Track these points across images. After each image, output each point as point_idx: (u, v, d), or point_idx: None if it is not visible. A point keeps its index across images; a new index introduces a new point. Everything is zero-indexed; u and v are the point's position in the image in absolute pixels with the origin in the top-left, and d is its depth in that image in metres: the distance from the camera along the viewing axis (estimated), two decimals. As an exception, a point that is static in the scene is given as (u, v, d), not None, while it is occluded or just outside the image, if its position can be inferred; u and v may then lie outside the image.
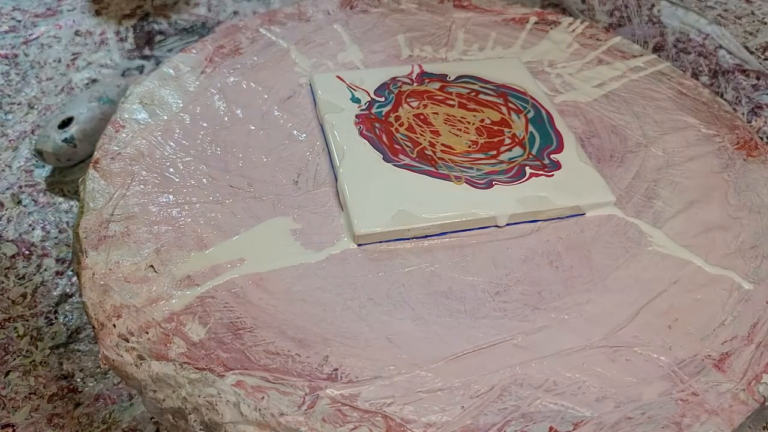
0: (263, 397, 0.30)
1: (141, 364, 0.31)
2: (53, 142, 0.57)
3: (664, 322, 0.35)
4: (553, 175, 0.40)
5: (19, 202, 0.53)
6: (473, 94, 0.45)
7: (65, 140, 0.58)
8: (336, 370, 0.32)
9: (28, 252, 0.49)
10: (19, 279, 0.48)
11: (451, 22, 0.53)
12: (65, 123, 0.60)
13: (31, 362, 0.43)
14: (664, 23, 0.54)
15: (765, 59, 0.54)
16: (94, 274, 0.34)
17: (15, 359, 0.43)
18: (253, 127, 0.43)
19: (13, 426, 0.40)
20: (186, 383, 0.30)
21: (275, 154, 0.42)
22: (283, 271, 0.36)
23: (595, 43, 0.52)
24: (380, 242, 0.37)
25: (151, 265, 0.35)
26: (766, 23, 0.57)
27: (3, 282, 0.47)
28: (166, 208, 0.38)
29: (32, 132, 0.58)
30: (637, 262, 0.37)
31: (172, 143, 0.41)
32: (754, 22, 0.57)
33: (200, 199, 0.39)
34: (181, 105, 0.44)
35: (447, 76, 0.46)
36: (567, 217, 0.39)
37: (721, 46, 0.51)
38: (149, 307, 0.33)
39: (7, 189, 0.53)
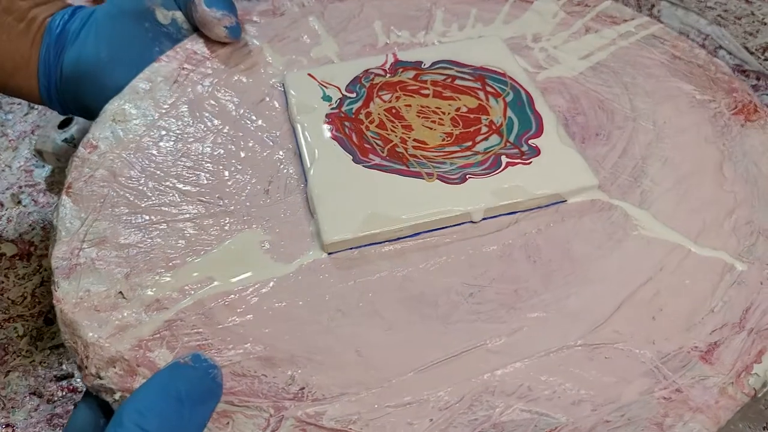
0: (228, 422, 0.30)
1: (113, 402, 0.31)
2: (53, 142, 0.58)
3: (648, 313, 0.33)
4: (530, 162, 0.38)
5: (19, 202, 0.53)
6: (449, 80, 0.43)
7: (65, 140, 0.58)
8: (303, 389, 0.31)
9: (28, 252, 0.50)
10: (19, 279, 0.48)
11: (430, 3, 0.51)
12: (65, 123, 0.60)
13: (31, 362, 0.44)
14: (664, 23, 0.51)
15: (765, 59, 0.53)
16: (62, 310, 0.34)
17: (15, 359, 0.44)
18: (224, 137, 0.42)
19: (12, 426, 0.41)
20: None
21: (247, 163, 0.41)
22: (251, 287, 0.35)
23: (583, 10, 0.49)
24: (351, 249, 0.36)
25: (120, 292, 0.35)
26: (766, 24, 0.55)
27: (3, 282, 0.48)
28: (137, 230, 0.38)
29: (32, 132, 0.59)
30: (621, 250, 0.36)
31: (144, 161, 0.41)
32: (754, 22, 0.55)
33: (171, 217, 0.38)
34: (154, 119, 0.43)
35: (422, 63, 0.45)
36: (547, 205, 0.38)
37: (721, 47, 0.48)
38: (117, 336, 0.33)
39: (7, 189, 0.54)
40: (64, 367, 0.43)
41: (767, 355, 0.31)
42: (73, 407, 0.41)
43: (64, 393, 0.42)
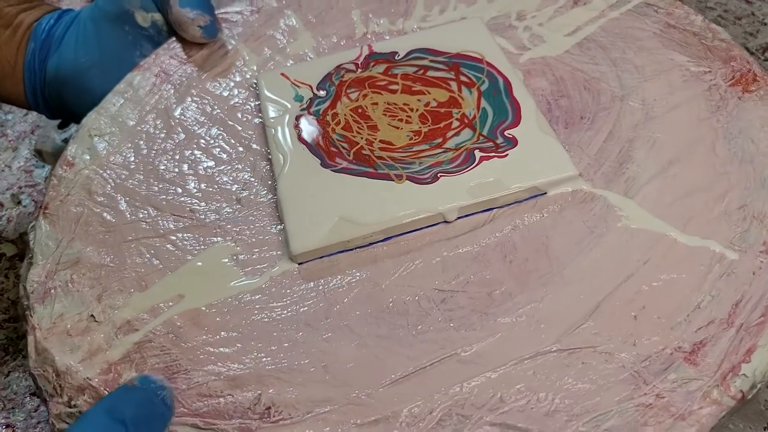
0: (193, 447, 0.30)
1: None
2: (53, 142, 0.59)
3: (629, 312, 0.31)
4: (507, 154, 0.37)
5: (19, 203, 0.54)
6: (421, 72, 0.41)
7: (65, 140, 0.59)
8: (269, 408, 0.31)
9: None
10: (18, 279, 0.49)
11: (411, -15, 0.48)
12: (65, 123, 0.60)
13: None
14: None
15: (765, 60, 0.52)
16: (35, 338, 0.34)
17: (15, 359, 0.45)
18: (199, 146, 0.42)
19: (13, 426, 0.41)
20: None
21: (220, 171, 0.40)
22: (220, 303, 0.34)
23: (572, -19, 0.46)
24: (321, 257, 0.35)
25: (92, 315, 0.35)
26: (766, 24, 0.54)
27: (3, 282, 0.49)
28: (111, 249, 0.37)
29: (32, 132, 0.60)
30: (602, 244, 0.34)
31: (118, 177, 0.41)
32: (754, 23, 0.54)
33: (143, 234, 0.38)
34: (128, 133, 0.43)
35: (397, 53, 0.43)
36: (526, 199, 0.36)
37: None
38: (88, 360, 0.33)
39: (7, 189, 0.55)
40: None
41: (757, 353, 0.29)
42: None
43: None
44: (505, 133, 0.37)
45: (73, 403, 0.32)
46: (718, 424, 0.28)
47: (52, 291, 0.36)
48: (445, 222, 0.35)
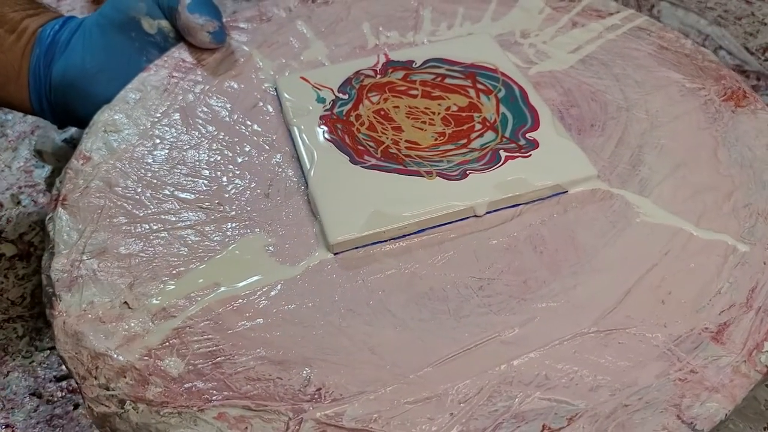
0: (246, 428, 0.30)
1: (122, 413, 0.31)
2: (53, 142, 0.58)
3: (657, 297, 0.33)
4: (530, 155, 0.39)
5: (19, 203, 0.53)
6: (439, 79, 0.43)
7: (65, 140, 0.58)
8: (319, 390, 0.31)
9: (27, 252, 0.49)
10: (18, 279, 0.48)
11: (417, 3, 0.51)
12: (64, 124, 0.59)
13: (30, 363, 0.43)
14: (665, 24, 0.52)
15: (765, 60, 0.54)
16: (64, 322, 0.33)
17: (15, 359, 0.44)
18: (220, 143, 0.42)
19: (12, 426, 0.40)
20: (167, 429, 0.30)
21: (244, 168, 0.40)
22: (259, 291, 0.35)
23: (569, 5, 0.50)
24: (357, 248, 0.36)
25: (125, 302, 0.34)
26: (766, 24, 0.56)
27: (3, 282, 0.48)
28: (138, 240, 0.37)
29: (32, 132, 0.59)
30: (625, 237, 0.36)
31: (139, 170, 0.41)
32: (754, 23, 0.56)
33: (171, 225, 0.38)
34: (146, 128, 0.43)
35: (413, 62, 0.45)
36: (549, 197, 0.38)
37: (721, 47, 0.50)
38: (125, 346, 0.33)
39: (7, 189, 0.54)
40: (63, 367, 0.43)
41: (777, 332, 0.32)
42: (72, 408, 0.40)
43: (63, 393, 0.42)
44: (527, 135, 0.40)
45: (111, 386, 0.31)
46: (748, 396, 0.30)
47: (79, 279, 0.35)
48: (475, 216, 0.37)
